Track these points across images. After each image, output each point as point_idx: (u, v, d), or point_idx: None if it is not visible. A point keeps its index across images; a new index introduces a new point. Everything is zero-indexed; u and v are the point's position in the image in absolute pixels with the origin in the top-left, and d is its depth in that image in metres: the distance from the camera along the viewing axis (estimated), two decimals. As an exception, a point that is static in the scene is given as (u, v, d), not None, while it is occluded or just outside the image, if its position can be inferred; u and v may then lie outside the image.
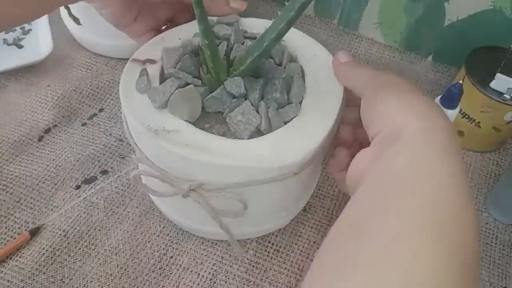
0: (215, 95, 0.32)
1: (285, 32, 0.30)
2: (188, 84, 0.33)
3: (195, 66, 0.34)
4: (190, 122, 0.32)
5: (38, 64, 0.56)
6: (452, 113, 0.42)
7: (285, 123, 0.33)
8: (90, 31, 0.56)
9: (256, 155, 0.31)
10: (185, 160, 0.31)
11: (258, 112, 0.32)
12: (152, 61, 0.35)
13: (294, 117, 0.33)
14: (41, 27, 0.59)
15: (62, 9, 0.55)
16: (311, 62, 0.36)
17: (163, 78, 0.34)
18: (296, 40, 0.38)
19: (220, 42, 0.37)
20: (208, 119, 0.33)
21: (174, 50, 0.35)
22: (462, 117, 0.51)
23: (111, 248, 0.43)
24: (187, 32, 0.38)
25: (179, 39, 0.37)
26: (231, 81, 0.32)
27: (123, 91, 0.33)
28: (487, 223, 0.48)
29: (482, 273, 0.44)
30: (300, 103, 0.34)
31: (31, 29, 0.60)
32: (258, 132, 0.32)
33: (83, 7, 0.53)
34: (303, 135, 0.32)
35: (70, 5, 0.53)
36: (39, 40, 0.58)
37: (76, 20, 0.54)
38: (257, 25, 0.39)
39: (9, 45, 0.58)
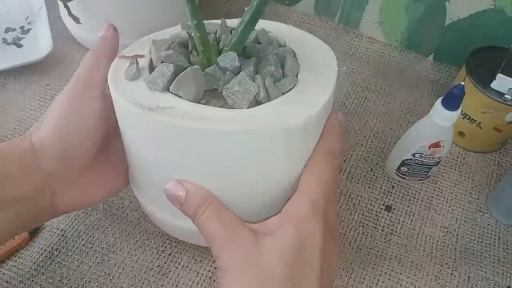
0: (209, 71, 0.31)
1: None
2: (180, 66, 0.32)
3: (185, 54, 0.34)
4: (184, 99, 0.31)
5: (38, 63, 0.56)
6: (454, 115, 0.41)
7: (283, 94, 0.32)
8: (90, 30, 0.56)
9: (259, 121, 0.29)
10: (182, 135, 0.29)
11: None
12: (141, 56, 0.35)
13: (292, 87, 0.32)
14: (41, 26, 0.59)
15: (62, 8, 0.55)
16: (301, 46, 0.36)
17: (152, 70, 0.34)
18: (283, 30, 0.38)
19: (208, 35, 0.36)
20: (204, 96, 0.32)
21: (162, 42, 0.35)
22: (463, 118, 0.50)
23: (108, 246, 0.43)
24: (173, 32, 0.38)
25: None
26: (225, 55, 0.32)
27: (112, 80, 0.33)
28: (488, 224, 0.47)
29: (486, 271, 0.44)
30: (296, 76, 0.33)
31: (30, 29, 0.60)
32: (256, 103, 0.31)
33: (82, 6, 0.53)
34: (304, 102, 0.31)
35: (69, 4, 0.52)
36: (39, 39, 0.58)
37: (75, 19, 0.54)
38: None
39: (8, 44, 0.58)
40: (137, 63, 0.33)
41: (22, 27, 0.60)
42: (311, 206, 0.30)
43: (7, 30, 0.60)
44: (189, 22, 0.36)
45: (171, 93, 0.31)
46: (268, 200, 0.34)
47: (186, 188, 0.31)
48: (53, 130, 0.33)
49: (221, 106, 0.31)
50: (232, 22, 0.37)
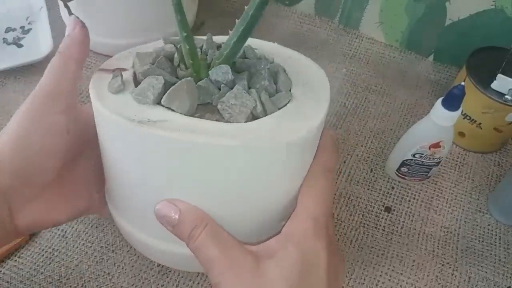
0: (202, 84, 0.30)
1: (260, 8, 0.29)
2: (168, 81, 0.31)
3: (171, 68, 0.32)
4: (177, 112, 0.29)
5: (38, 63, 0.56)
6: (454, 115, 0.41)
7: (279, 109, 0.31)
8: (90, 30, 0.55)
9: (259, 135, 0.28)
10: (178, 150, 0.27)
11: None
12: (123, 69, 0.32)
13: (288, 102, 0.31)
14: (41, 26, 0.59)
15: (62, 8, 0.55)
16: (289, 62, 0.36)
17: (137, 83, 0.32)
18: (268, 47, 0.37)
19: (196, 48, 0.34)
20: (196, 110, 0.30)
21: (147, 55, 0.33)
22: (463, 118, 0.50)
23: (107, 245, 0.43)
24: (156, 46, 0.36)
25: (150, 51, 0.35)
26: (217, 69, 0.30)
27: (94, 92, 0.30)
28: (489, 224, 0.47)
29: (487, 272, 0.44)
30: (290, 91, 0.33)
31: (31, 29, 0.60)
32: (253, 118, 0.30)
33: (83, 6, 0.53)
34: (302, 116, 0.30)
35: (70, 4, 0.52)
36: (39, 39, 0.58)
37: (75, 19, 0.54)
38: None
39: (9, 44, 0.58)
40: (122, 75, 0.31)
41: (22, 27, 0.60)
42: (312, 225, 0.29)
43: (8, 30, 0.60)
44: (171, 38, 0.34)
45: (163, 106, 0.29)
46: (267, 219, 0.33)
47: (179, 209, 0.29)
48: (12, 144, 0.30)
49: (216, 120, 0.29)
50: (218, 38, 0.35)
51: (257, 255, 0.29)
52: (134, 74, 0.32)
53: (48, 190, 0.33)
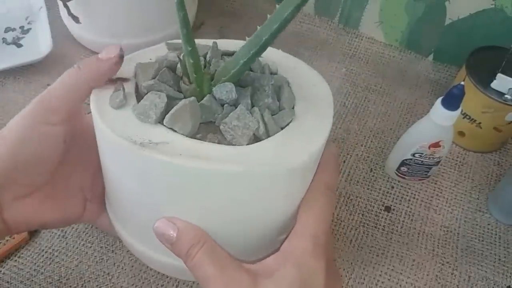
0: (205, 103, 0.30)
1: (277, 33, 0.29)
2: (171, 96, 0.30)
3: (174, 80, 0.32)
4: (179, 133, 0.29)
5: (38, 63, 0.56)
6: (454, 115, 0.41)
7: (282, 128, 0.31)
8: (90, 30, 0.56)
9: (260, 160, 0.28)
10: (179, 174, 0.27)
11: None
12: (125, 79, 0.32)
13: (290, 121, 0.31)
14: (41, 26, 0.59)
15: (61, 8, 0.55)
16: (293, 74, 0.35)
17: (139, 96, 0.31)
18: (272, 54, 0.36)
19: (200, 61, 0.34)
20: (199, 129, 0.30)
21: (149, 65, 0.32)
22: (463, 118, 0.50)
23: (107, 245, 0.43)
24: (157, 52, 0.35)
25: (150, 59, 0.34)
26: (220, 86, 0.30)
27: (95, 108, 0.30)
28: (489, 224, 0.47)
29: (486, 271, 0.44)
30: (293, 108, 0.32)
31: (30, 28, 0.60)
32: (255, 138, 0.30)
33: (82, 6, 0.53)
34: (303, 137, 0.30)
35: (69, 4, 0.52)
36: (39, 39, 0.58)
37: (75, 19, 0.54)
38: (232, 45, 0.36)
39: (8, 44, 0.58)
40: (123, 89, 0.31)
41: (22, 27, 0.60)
42: (312, 244, 0.29)
43: (7, 30, 0.60)
44: (174, 41, 0.34)
45: (164, 126, 0.29)
46: (266, 235, 0.33)
47: (178, 227, 0.29)
48: (8, 146, 0.30)
49: (218, 142, 0.29)
50: (222, 44, 0.35)
51: (254, 274, 0.29)
52: (136, 86, 0.32)
53: (39, 191, 0.33)
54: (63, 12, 0.56)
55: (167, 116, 0.29)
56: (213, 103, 0.30)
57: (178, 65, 0.32)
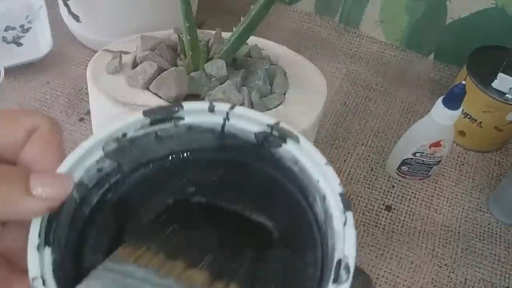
0: (194, 75, 0.31)
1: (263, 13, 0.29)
2: (163, 69, 0.31)
3: (171, 56, 0.33)
4: (163, 99, 0.30)
5: (38, 61, 0.56)
6: (455, 114, 0.41)
7: (268, 110, 0.31)
8: (90, 29, 0.56)
9: None
10: None
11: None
12: (126, 52, 0.34)
13: (278, 105, 0.32)
14: (41, 24, 0.59)
15: (62, 7, 0.55)
16: (293, 66, 0.36)
17: (135, 66, 0.33)
18: (276, 49, 0.37)
19: (199, 39, 0.35)
20: (184, 99, 0.31)
21: (150, 38, 0.34)
22: (464, 117, 0.50)
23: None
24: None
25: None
26: (212, 63, 0.31)
27: (91, 72, 0.32)
28: (489, 223, 0.47)
29: (484, 273, 0.44)
30: (284, 94, 0.33)
31: (30, 27, 0.60)
32: None
33: (82, 5, 0.53)
34: (286, 119, 0.31)
35: (69, 3, 0.52)
36: (39, 38, 0.58)
37: (75, 18, 0.53)
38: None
39: (8, 43, 0.58)
40: (121, 57, 0.32)
41: (22, 26, 0.60)
42: None
43: (7, 28, 0.59)
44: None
45: (151, 91, 0.30)
46: None
47: None
48: None
49: None
50: (227, 34, 0.36)
51: None
52: (135, 58, 0.34)
53: None
54: (63, 11, 0.56)
55: (154, 81, 0.30)
56: (202, 77, 0.31)
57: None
